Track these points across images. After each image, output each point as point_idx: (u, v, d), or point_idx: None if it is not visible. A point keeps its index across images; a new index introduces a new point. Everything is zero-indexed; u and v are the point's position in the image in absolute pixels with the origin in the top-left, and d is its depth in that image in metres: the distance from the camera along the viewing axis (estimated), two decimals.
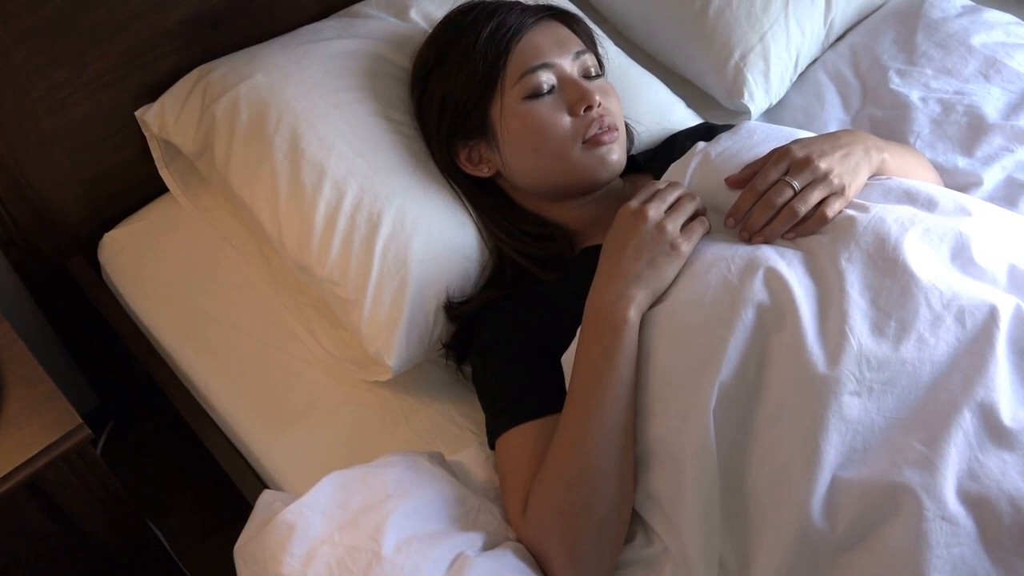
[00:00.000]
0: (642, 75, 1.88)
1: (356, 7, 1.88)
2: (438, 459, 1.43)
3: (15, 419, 1.45)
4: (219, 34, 1.79)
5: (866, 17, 2.05)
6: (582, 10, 1.87)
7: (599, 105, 1.51)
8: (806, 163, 1.34)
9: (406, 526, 1.27)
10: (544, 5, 1.62)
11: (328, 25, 1.82)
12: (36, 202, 1.76)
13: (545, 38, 1.55)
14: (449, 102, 1.56)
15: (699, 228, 1.34)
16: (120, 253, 1.81)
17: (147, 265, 1.79)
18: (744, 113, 1.91)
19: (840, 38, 2.04)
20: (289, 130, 1.60)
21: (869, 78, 1.93)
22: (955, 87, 1.85)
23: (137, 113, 1.77)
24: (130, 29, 1.69)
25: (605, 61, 1.67)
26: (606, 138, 1.52)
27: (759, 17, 1.89)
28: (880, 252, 1.26)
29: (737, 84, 1.89)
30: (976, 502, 1.13)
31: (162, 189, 1.85)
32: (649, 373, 1.28)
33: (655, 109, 1.82)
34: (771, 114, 1.96)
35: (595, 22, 1.85)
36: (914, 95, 1.85)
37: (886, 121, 1.85)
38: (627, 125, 1.67)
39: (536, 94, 1.52)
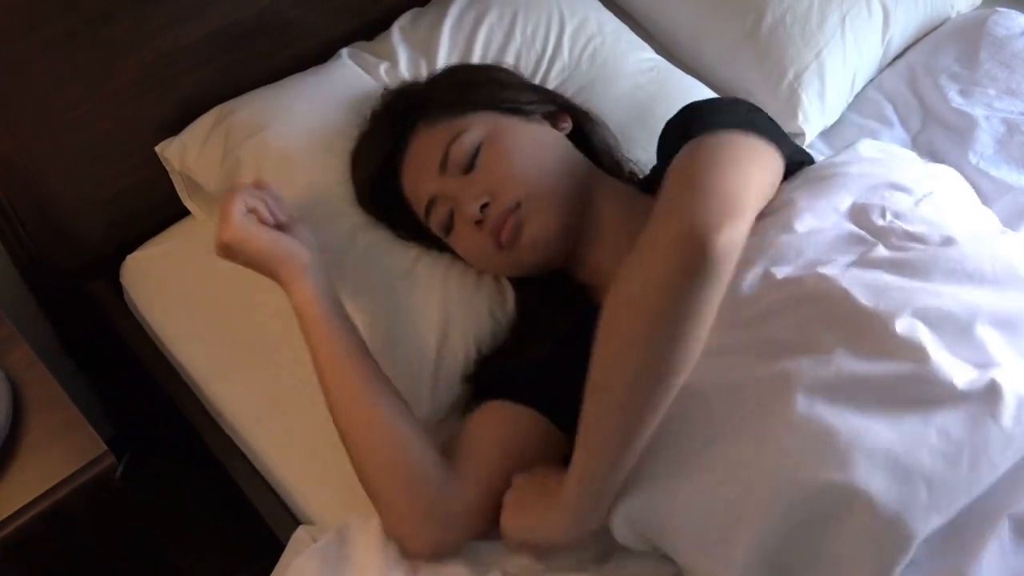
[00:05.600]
0: (691, 92, 1.80)
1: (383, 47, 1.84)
2: None
3: (36, 445, 1.42)
4: (243, 49, 1.75)
5: (926, 34, 2.01)
6: (629, 27, 1.85)
7: (481, 200, 1.39)
8: None
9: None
10: (397, 110, 1.54)
11: (350, 65, 1.79)
12: (56, 219, 1.72)
13: (413, 167, 1.48)
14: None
15: None
16: (145, 276, 1.77)
17: (174, 289, 1.73)
18: (799, 135, 1.84)
19: (899, 56, 2.00)
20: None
21: (929, 97, 1.89)
22: (1020, 108, 1.81)
23: (158, 149, 1.73)
24: (153, 42, 1.65)
25: (495, 88, 1.54)
26: (505, 234, 1.39)
27: (814, 33, 1.84)
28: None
29: (791, 104, 1.83)
30: None
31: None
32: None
33: None
34: (827, 136, 1.91)
35: (642, 39, 1.83)
36: (977, 113, 1.82)
37: (947, 141, 1.81)
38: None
39: (447, 228, 1.46)
